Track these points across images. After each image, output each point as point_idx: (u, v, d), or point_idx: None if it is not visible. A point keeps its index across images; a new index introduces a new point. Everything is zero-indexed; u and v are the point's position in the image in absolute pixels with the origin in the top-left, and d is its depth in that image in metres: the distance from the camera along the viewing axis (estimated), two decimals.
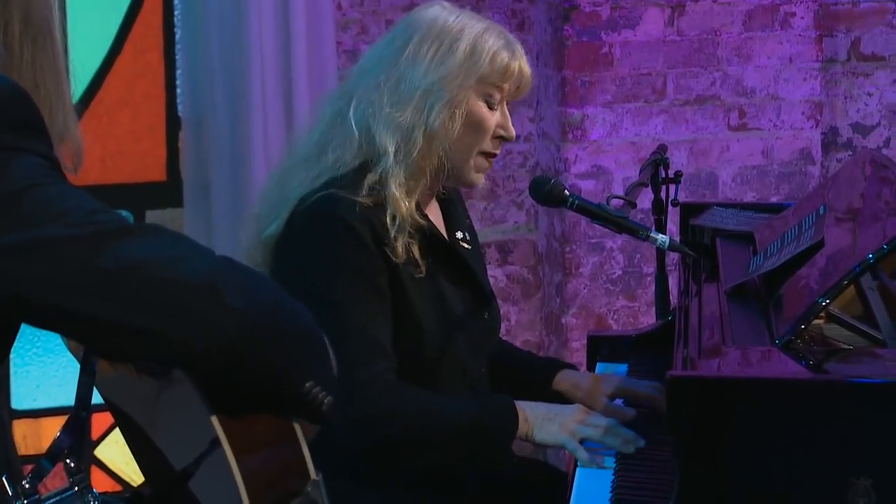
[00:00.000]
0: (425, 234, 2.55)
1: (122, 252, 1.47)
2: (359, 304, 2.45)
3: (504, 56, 2.55)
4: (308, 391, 1.54)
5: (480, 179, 2.63)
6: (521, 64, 2.58)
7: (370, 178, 2.49)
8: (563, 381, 2.79)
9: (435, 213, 2.67)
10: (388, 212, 2.48)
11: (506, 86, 2.57)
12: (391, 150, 2.50)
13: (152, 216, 4.45)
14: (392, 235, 2.48)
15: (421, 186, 2.55)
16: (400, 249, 2.49)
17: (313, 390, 1.54)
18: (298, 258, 2.50)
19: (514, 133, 2.64)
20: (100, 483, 4.41)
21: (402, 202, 2.49)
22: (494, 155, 2.62)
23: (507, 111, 2.62)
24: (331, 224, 2.46)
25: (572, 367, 2.88)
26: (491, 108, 2.58)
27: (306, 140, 2.63)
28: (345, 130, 2.55)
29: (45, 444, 4.39)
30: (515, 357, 2.91)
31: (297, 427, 1.60)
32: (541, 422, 2.50)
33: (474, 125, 2.56)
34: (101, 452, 4.48)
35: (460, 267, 2.64)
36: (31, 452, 4.31)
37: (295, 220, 2.51)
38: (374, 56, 2.61)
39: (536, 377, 2.80)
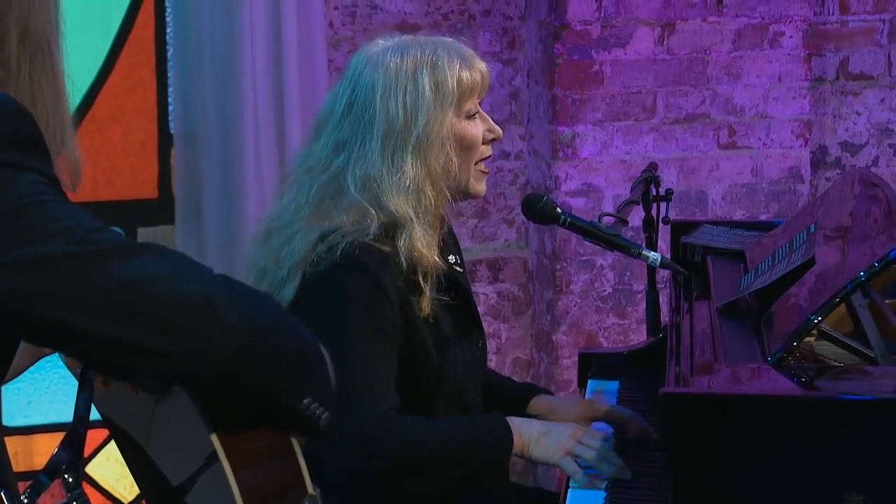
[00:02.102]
0: None
1: (120, 270, 1.48)
2: (365, 343, 2.43)
3: (465, 74, 2.54)
4: (306, 407, 1.54)
5: (485, 187, 2.64)
6: (480, 69, 2.58)
7: (401, 244, 2.48)
8: (537, 405, 2.80)
9: None
10: (419, 271, 2.48)
11: (476, 95, 2.58)
12: (412, 213, 2.49)
13: (144, 233, 4.45)
14: (424, 293, 2.48)
15: (437, 227, 2.56)
16: (425, 303, 2.49)
17: (311, 406, 1.55)
18: (315, 299, 2.46)
19: (500, 130, 2.63)
20: (90, 500, 4.40)
21: (427, 256, 2.49)
22: (489, 157, 2.63)
23: (484, 113, 2.62)
24: (352, 266, 2.44)
25: (548, 392, 2.88)
26: (473, 118, 2.58)
27: (294, 214, 2.55)
28: (349, 202, 2.50)
29: (36, 461, 4.38)
30: (494, 382, 2.89)
31: (295, 441, 1.61)
32: (536, 437, 2.50)
33: (467, 145, 2.57)
34: (92, 469, 4.47)
35: (458, 294, 2.61)
36: (23, 469, 4.30)
37: (309, 276, 2.47)
38: (340, 126, 2.55)
39: (512, 401, 2.79)
